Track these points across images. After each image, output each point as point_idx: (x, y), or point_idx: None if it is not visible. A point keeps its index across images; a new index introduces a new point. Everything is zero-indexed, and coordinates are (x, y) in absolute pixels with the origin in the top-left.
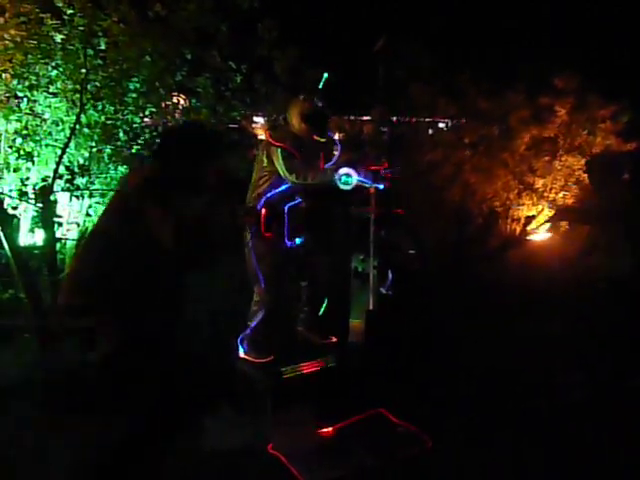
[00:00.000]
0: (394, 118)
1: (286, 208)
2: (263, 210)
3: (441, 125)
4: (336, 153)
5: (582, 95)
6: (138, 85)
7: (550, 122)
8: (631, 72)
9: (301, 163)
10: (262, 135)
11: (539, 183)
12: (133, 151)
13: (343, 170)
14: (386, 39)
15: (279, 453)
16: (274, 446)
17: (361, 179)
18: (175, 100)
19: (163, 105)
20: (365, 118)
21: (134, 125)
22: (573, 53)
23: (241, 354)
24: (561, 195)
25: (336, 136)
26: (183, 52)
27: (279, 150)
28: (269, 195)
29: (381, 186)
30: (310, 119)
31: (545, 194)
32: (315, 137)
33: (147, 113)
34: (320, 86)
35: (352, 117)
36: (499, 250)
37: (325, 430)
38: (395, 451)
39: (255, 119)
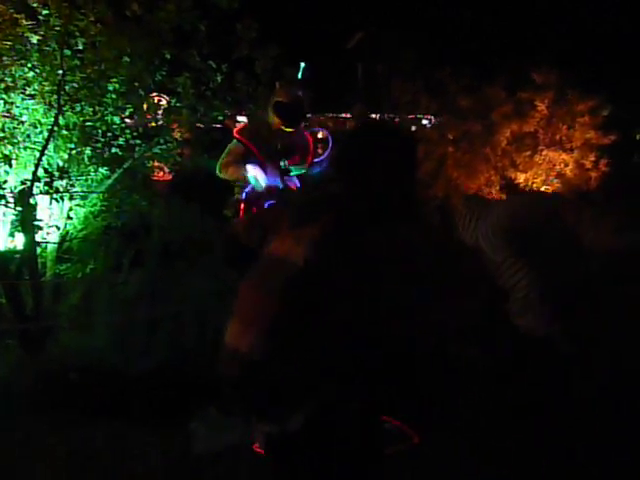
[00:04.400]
0: (376, 115)
1: (266, 205)
2: (242, 204)
3: (424, 122)
4: (326, 150)
5: (561, 90)
6: (117, 86)
7: (530, 117)
8: (609, 66)
9: (230, 160)
10: None
11: (521, 178)
12: (113, 152)
13: (251, 171)
14: (362, 36)
15: (264, 451)
16: (260, 444)
17: (269, 182)
18: (156, 100)
19: (145, 106)
20: (347, 115)
21: (114, 126)
22: (552, 48)
23: None
24: (543, 189)
25: (320, 134)
26: (162, 52)
27: (233, 140)
28: (247, 189)
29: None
30: (279, 108)
31: (527, 188)
32: (282, 127)
33: (127, 114)
34: (299, 76)
35: (333, 114)
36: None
37: None
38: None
39: (239, 118)
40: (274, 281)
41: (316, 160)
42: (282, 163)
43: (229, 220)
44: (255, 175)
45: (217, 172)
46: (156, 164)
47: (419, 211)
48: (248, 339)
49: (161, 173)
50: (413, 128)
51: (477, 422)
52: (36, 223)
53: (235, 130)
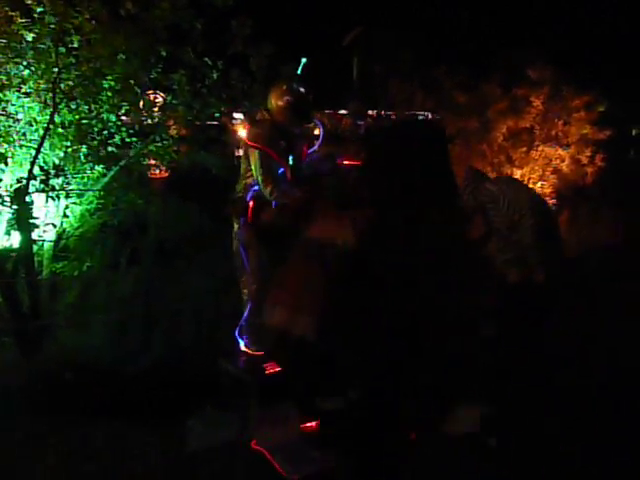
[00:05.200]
0: (373, 112)
1: (274, 203)
2: (251, 202)
3: (421, 118)
4: (319, 136)
5: (556, 85)
6: (113, 83)
7: (526, 113)
8: (604, 62)
9: (275, 181)
10: (243, 131)
11: (517, 174)
12: (109, 150)
13: None
14: (358, 33)
15: (262, 448)
16: (257, 442)
17: None
18: (152, 98)
19: (141, 103)
20: (343, 112)
21: (109, 124)
22: (547, 44)
23: (242, 347)
24: (539, 185)
25: (317, 131)
26: (157, 49)
27: (256, 152)
28: (256, 188)
29: None
30: (294, 108)
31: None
32: (304, 125)
33: (123, 111)
34: (299, 71)
35: (330, 111)
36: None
37: (308, 425)
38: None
39: (235, 115)
40: (324, 261)
41: (309, 151)
42: (290, 159)
43: (232, 219)
44: None
45: (267, 193)
46: (153, 162)
47: (455, 198)
48: (302, 320)
49: (158, 171)
50: None
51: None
52: (32, 221)
53: (247, 139)
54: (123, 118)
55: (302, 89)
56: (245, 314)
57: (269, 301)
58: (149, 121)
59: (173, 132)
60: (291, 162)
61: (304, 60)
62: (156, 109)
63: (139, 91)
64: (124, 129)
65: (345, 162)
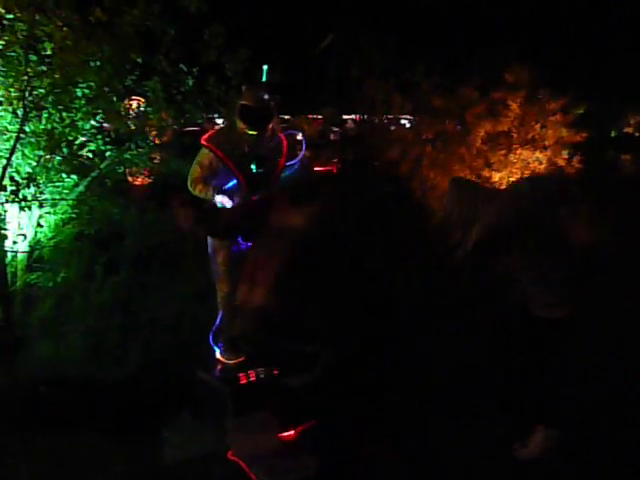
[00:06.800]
0: (355, 116)
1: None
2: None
3: (403, 122)
4: (300, 153)
5: (533, 89)
6: (87, 91)
7: (504, 116)
8: (580, 65)
9: (199, 175)
10: None
11: (496, 177)
12: (83, 158)
13: (218, 198)
14: (333, 37)
15: (239, 459)
16: (234, 452)
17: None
18: (134, 104)
19: (122, 109)
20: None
21: (83, 132)
22: (523, 47)
23: (217, 355)
24: None
25: (299, 136)
26: (131, 56)
27: (201, 149)
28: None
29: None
30: (243, 111)
31: (502, 188)
32: (246, 130)
33: (98, 119)
34: (264, 79)
35: (308, 115)
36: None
37: (286, 434)
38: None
39: (218, 121)
40: (282, 244)
41: (289, 163)
42: (253, 166)
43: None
44: (222, 202)
45: (188, 185)
46: (134, 169)
47: None
48: (258, 294)
49: (140, 178)
50: (392, 128)
51: (477, 420)
52: (3, 232)
53: (203, 137)
54: (103, 125)
55: (265, 95)
56: (217, 321)
57: (244, 282)
58: (122, 129)
59: (153, 138)
60: (254, 169)
61: (266, 67)
62: (133, 115)
63: (115, 98)
64: (100, 137)
65: (317, 168)
